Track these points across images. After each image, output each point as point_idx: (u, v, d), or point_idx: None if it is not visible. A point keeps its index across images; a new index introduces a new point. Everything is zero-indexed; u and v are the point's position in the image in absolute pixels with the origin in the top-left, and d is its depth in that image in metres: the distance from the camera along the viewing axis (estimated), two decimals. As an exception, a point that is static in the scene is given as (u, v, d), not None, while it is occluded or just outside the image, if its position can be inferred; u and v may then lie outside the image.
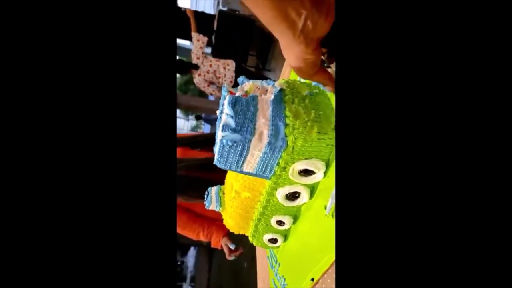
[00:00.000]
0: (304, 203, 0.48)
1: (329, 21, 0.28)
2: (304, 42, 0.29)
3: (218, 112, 0.44)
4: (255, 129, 0.39)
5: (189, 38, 2.43)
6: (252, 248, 0.78)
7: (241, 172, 0.44)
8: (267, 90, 0.46)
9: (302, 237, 0.50)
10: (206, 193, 0.60)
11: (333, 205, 0.39)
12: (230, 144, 0.39)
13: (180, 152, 1.10)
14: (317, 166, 0.41)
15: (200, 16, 2.63)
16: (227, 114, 0.40)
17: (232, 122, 0.39)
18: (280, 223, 0.52)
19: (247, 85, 0.47)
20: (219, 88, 2.43)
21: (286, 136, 0.39)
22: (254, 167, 0.43)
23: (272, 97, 0.43)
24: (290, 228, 0.53)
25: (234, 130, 0.38)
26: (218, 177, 0.63)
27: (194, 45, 2.29)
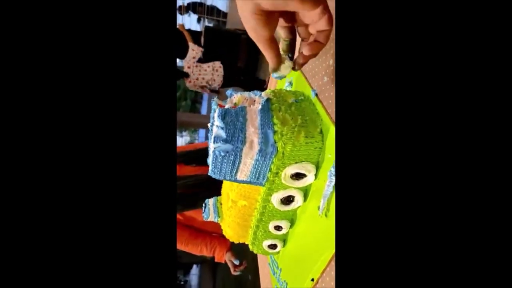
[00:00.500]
0: (299, 206, 0.49)
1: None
2: None
3: (209, 125, 0.46)
4: (245, 138, 0.41)
5: (180, 56, 2.54)
6: (256, 260, 0.79)
7: (236, 180, 0.46)
8: (254, 101, 0.49)
9: (300, 240, 0.51)
10: (203, 204, 0.61)
11: (326, 205, 0.40)
12: (222, 154, 0.41)
13: None
14: (308, 169, 0.43)
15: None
16: (217, 126, 0.41)
17: (223, 133, 0.41)
18: (278, 228, 0.53)
19: (236, 97, 0.49)
20: (210, 87, 2.69)
21: (275, 142, 0.41)
22: (248, 175, 0.44)
23: (260, 106, 0.45)
24: (288, 232, 0.54)
25: (225, 141, 0.40)
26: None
27: (188, 55, 2.50)
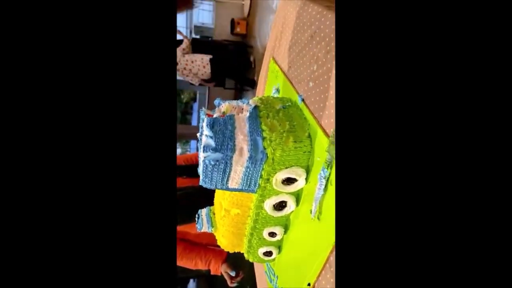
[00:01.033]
0: (292, 211, 0.49)
1: None
2: None
3: (198, 134, 0.46)
4: (235, 146, 0.41)
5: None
6: (252, 269, 0.78)
7: (227, 189, 0.45)
8: (242, 109, 0.49)
9: (294, 245, 0.51)
10: (196, 215, 0.61)
11: (318, 208, 0.41)
12: (212, 163, 0.41)
13: None
14: (298, 173, 0.44)
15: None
16: (206, 135, 0.42)
17: (212, 142, 0.41)
18: (272, 234, 0.53)
19: (224, 106, 0.50)
20: (198, 78, 2.80)
21: (265, 148, 0.41)
22: (239, 182, 0.44)
23: (248, 114, 0.46)
24: (282, 239, 0.54)
25: (215, 150, 0.40)
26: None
27: (180, 46, 2.61)
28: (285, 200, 0.47)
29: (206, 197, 0.65)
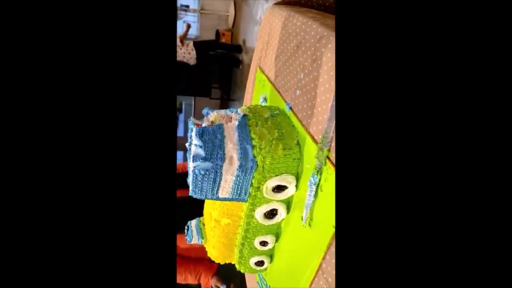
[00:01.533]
0: (282, 219, 0.49)
1: None
2: None
3: (187, 144, 0.45)
4: (224, 155, 0.41)
5: None
6: (244, 281, 0.76)
7: (217, 198, 0.45)
8: (231, 118, 0.49)
9: (286, 253, 0.50)
10: (186, 227, 0.60)
11: (309, 214, 0.41)
12: (202, 173, 0.41)
13: None
14: (288, 181, 0.44)
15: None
16: (196, 145, 0.41)
17: (201, 152, 0.41)
18: (264, 243, 0.53)
19: (212, 115, 0.50)
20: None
21: (254, 156, 0.42)
22: (229, 191, 0.44)
23: (237, 123, 0.46)
24: (274, 247, 0.54)
25: (204, 159, 0.40)
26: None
27: None
28: (275, 208, 0.47)
29: (195, 208, 0.64)
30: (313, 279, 0.40)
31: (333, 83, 0.37)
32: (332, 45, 0.38)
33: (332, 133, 0.36)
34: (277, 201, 0.47)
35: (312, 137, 0.41)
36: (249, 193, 0.44)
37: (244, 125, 0.45)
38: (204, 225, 0.59)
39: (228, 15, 3.65)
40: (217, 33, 3.56)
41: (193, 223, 0.60)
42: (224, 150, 0.41)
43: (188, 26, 2.85)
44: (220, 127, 0.44)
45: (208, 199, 0.45)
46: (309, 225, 0.41)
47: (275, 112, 0.50)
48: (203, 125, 0.47)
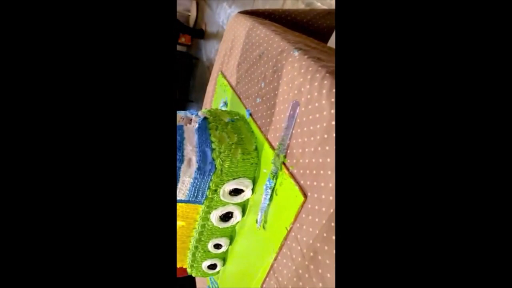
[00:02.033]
0: (237, 222, 0.50)
1: None
2: None
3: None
4: (183, 157, 0.41)
5: None
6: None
7: (173, 200, 0.44)
8: (191, 120, 0.49)
9: (240, 256, 0.52)
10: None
11: (263, 217, 0.43)
12: (159, 174, 0.40)
13: None
14: (245, 184, 0.45)
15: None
16: (153, 145, 0.41)
17: (159, 152, 0.40)
18: (218, 246, 0.53)
19: (171, 116, 0.49)
20: None
21: (213, 160, 0.42)
22: (186, 193, 0.44)
23: (197, 125, 0.46)
24: (227, 250, 0.55)
25: (162, 160, 0.40)
26: None
27: None
28: (231, 210, 0.48)
29: None
30: (265, 279, 0.42)
31: (291, 94, 0.39)
32: (291, 59, 0.41)
33: (288, 141, 0.39)
34: (233, 204, 0.48)
35: (270, 144, 0.43)
36: (206, 195, 0.45)
37: (204, 128, 0.46)
38: (156, 228, 0.57)
39: (189, 15, 3.59)
40: (177, 32, 3.47)
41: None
42: (183, 152, 0.41)
43: None
44: (180, 128, 0.44)
45: (163, 201, 0.44)
46: (264, 227, 0.43)
47: (235, 117, 0.51)
48: (162, 125, 0.46)
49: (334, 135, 0.32)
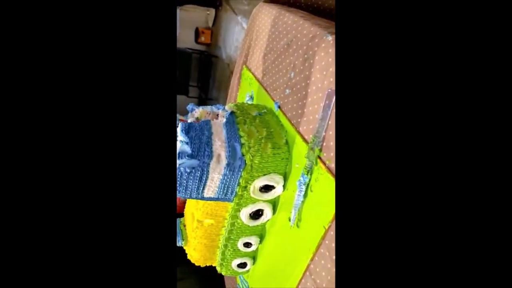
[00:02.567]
0: (268, 220, 0.48)
1: None
2: None
3: (171, 141, 0.43)
4: (212, 152, 0.39)
5: None
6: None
7: (202, 198, 0.43)
8: (218, 114, 0.48)
9: (271, 255, 0.50)
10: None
11: (297, 215, 0.40)
12: (188, 170, 0.39)
13: None
14: (276, 180, 0.43)
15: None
16: (181, 141, 0.39)
17: (188, 148, 0.39)
18: (247, 245, 0.51)
19: (198, 111, 0.48)
20: None
21: (243, 155, 0.40)
22: (215, 191, 0.42)
23: (225, 120, 0.44)
24: (257, 249, 0.53)
25: (191, 156, 0.38)
26: None
27: None
28: (262, 208, 0.46)
29: None
30: (300, 280, 0.40)
31: (326, 82, 0.37)
32: (325, 45, 0.38)
33: (324, 133, 0.36)
34: (264, 201, 0.46)
35: (302, 137, 0.40)
36: (236, 192, 0.43)
37: (232, 122, 0.44)
38: (185, 226, 0.57)
39: (208, 13, 3.60)
40: (197, 31, 3.50)
41: (172, 224, 0.57)
42: (212, 148, 0.40)
43: None
44: (208, 123, 0.43)
45: (193, 198, 0.43)
46: (297, 225, 0.40)
47: (263, 111, 0.49)
48: (189, 121, 0.45)
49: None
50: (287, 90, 0.45)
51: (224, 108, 0.48)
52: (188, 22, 3.64)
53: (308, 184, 0.38)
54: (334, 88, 0.35)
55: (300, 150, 0.40)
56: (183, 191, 0.41)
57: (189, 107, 0.50)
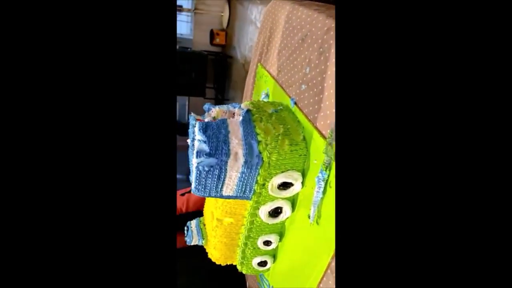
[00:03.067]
0: (287, 218, 0.48)
1: None
2: None
3: (189, 140, 0.44)
4: (229, 151, 0.40)
5: None
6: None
7: (221, 196, 0.43)
8: (234, 113, 0.48)
9: (291, 253, 0.49)
10: (185, 228, 0.58)
11: (317, 212, 0.40)
12: (206, 169, 0.39)
13: None
14: (294, 177, 0.42)
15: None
16: (199, 140, 0.40)
17: (205, 147, 0.39)
18: (267, 243, 0.51)
19: (214, 111, 0.48)
20: None
21: (260, 152, 0.40)
22: (234, 189, 0.42)
23: (241, 118, 0.44)
24: (277, 247, 0.52)
25: (209, 155, 0.39)
26: None
27: None
28: (280, 206, 0.46)
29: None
30: (322, 278, 0.39)
31: (342, 75, 0.36)
32: (341, 37, 0.37)
33: (342, 127, 0.35)
34: (282, 198, 0.45)
35: (320, 132, 0.39)
36: (254, 190, 0.43)
37: (248, 120, 0.44)
38: (204, 225, 0.57)
39: (222, 15, 3.63)
40: (211, 33, 3.54)
41: (193, 223, 0.58)
42: (229, 146, 0.40)
43: None
44: (224, 122, 0.43)
45: (212, 197, 0.43)
46: (317, 223, 0.40)
47: (279, 108, 0.48)
48: (205, 120, 0.45)
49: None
50: (303, 86, 0.45)
51: (240, 106, 0.48)
52: (203, 25, 3.69)
53: (327, 180, 0.37)
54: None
55: (318, 146, 0.40)
56: (202, 189, 0.41)
57: (206, 106, 0.50)
